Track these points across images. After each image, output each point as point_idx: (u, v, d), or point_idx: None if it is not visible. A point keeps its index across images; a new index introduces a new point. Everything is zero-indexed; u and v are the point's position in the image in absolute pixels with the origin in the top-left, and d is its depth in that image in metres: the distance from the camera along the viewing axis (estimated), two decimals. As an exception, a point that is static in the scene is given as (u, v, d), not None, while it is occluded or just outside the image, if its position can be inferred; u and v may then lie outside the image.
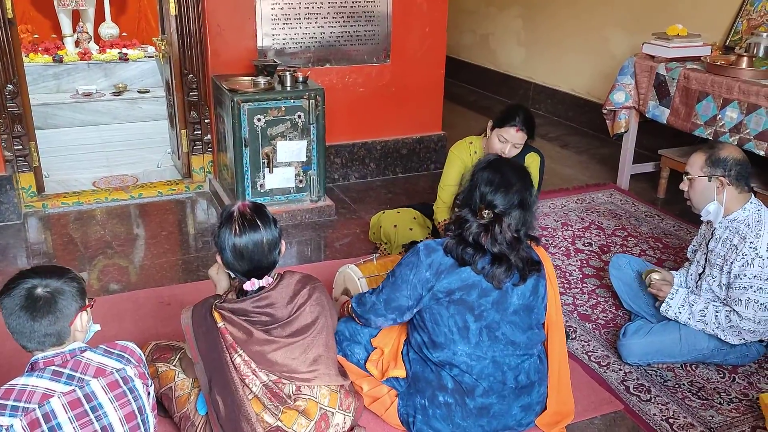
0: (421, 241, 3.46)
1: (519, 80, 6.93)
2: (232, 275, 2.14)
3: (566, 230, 4.06)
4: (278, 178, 4.04)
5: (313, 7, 4.35)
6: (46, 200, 4.19)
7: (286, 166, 4.03)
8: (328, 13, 4.41)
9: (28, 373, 1.73)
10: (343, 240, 3.97)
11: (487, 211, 2.16)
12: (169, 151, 5.02)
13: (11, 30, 3.86)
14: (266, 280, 2.09)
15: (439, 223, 3.45)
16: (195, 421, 2.21)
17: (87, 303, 1.83)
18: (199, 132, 4.47)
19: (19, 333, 1.71)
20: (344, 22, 4.48)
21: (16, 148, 4.00)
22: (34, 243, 3.84)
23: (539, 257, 2.30)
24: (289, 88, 3.96)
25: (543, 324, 2.37)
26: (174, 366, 2.32)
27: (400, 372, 2.36)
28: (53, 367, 1.73)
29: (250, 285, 2.06)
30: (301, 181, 4.11)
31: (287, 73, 3.98)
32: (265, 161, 3.97)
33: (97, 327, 1.89)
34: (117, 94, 6.14)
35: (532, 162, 3.36)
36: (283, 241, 2.11)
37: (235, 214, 2.04)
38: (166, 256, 3.69)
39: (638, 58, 4.37)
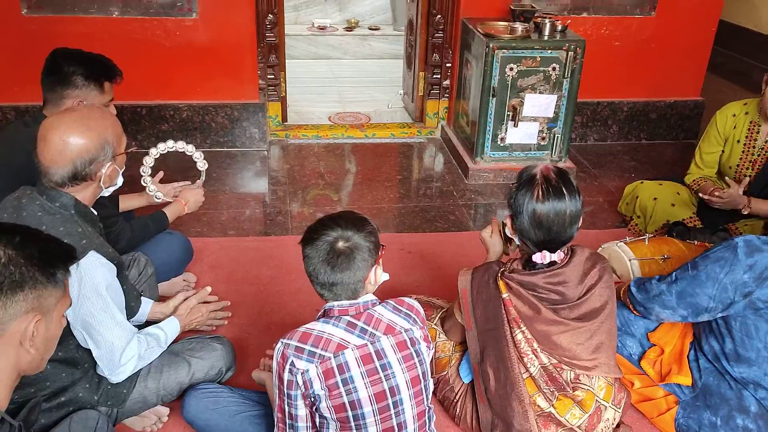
0: (683, 220, 3.10)
1: (786, 44, 5.98)
2: (516, 242, 1.97)
3: None
4: (521, 133, 3.80)
5: (579, -52, 3.96)
6: (288, 131, 4.32)
7: (531, 121, 3.78)
8: (595, -45, 4.00)
9: (324, 319, 1.70)
10: (584, 207, 3.65)
11: None
12: (401, 92, 4.96)
13: (276, -41, 3.92)
14: (558, 255, 1.89)
15: (689, 184, 3.20)
16: (454, 387, 2.11)
17: (379, 254, 1.75)
18: (439, 76, 4.32)
19: (319, 284, 1.68)
20: (611, -34, 4.04)
21: (269, 77, 4.13)
22: (276, 171, 3.96)
23: None
24: (546, 37, 3.66)
25: None
26: (435, 325, 2.23)
27: (685, 379, 2.07)
28: (348, 318, 1.68)
29: (541, 257, 1.88)
30: (543, 138, 3.84)
31: (546, 20, 3.67)
32: (511, 114, 3.73)
33: (386, 276, 1.81)
34: (349, 29, 6.19)
35: None
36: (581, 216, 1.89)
37: (538, 177, 1.85)
38: (403, 201, 3.64)
39: None
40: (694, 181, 3.16)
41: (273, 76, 4.16)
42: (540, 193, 1.83)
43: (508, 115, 3.73)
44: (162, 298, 2.55)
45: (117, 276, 1.92)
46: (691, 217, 3.12)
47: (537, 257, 1.88)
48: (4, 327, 1.24)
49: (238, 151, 4.10)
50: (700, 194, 3.05)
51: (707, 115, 4.32)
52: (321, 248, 1.66)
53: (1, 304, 1.22)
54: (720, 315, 1.96)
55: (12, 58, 3.69)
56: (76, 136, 1.82)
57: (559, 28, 3.70)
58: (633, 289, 2.16)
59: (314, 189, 3.74)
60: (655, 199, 3.21)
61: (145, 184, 2.59)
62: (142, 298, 2.23)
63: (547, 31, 3.67)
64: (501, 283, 1.90)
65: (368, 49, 6.10)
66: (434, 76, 4.33)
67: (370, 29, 6.21)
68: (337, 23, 6.28)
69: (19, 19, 3.61)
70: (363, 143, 4.35)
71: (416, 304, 1.81)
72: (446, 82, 4.33)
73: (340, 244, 1.66)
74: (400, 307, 1.77)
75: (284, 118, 4.36)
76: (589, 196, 3.77)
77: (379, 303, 1.75)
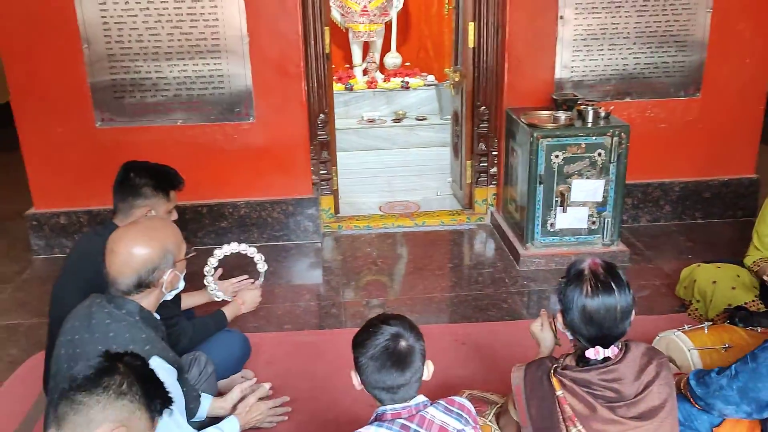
0: (745, 304, 3.01)
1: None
2: (570, 337, 1.96)
3: None
4: (570, 218, 3.81)
5: (618, 37, 4.07)
6: (341, 222, 4.45)
7: (579, 206, 3.79)
8: (635, 43, 4.09)
9: (377, 423, 1.71)
10: (640, 292, 3.59)
11: None
12: (449, 180, 5.06)
13: (327, 64, 4.15)
14: (612, 350, 1.87)
15: (749, 266, 3.11)
16: (512, 487, 2.06)
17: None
18: (486, 164, 4.41)
19: (384, 389, 1.70)
20: (651, 52, 4.12)
21: (321, 172, 4.30)
22: (329, 262, 4.06)
23: None
24: (590, 124, 3.73)
25: None
26: (489, 421, 2.20)
27: (757, 476, 1.98)
28: (401, 420, 1.69)
29: (594, 353, 1.86)
30: (593, 223, 3.83)
31: (589, 108, 3.75)
32: (559, 200, 3.76)
33: (432, 366, 1.83)
34: (397, 120, 6.40)
35: None
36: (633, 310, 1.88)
37: (586, 272, 1.86)
38: (455, 290, 3.65)
39: None
40: (754, 262, 3.09)
41: (325, 171, 4.33)
42: (589, 288, 1.83)
43: (556, 201, 3.76)
44: (221, 396, 2.60)
45: (177, 379, 1.99)
46: (753, 301, 3.02)
47: (590, 353, 1.87)
48: (92, 428, 1.33)
49: (293, 245, 4.23)
50: (763, 277, 2.98)
51: (764, 191, 4.26)
52: (382, 350, 1.68)
53: (104, 403, 1.34)
54: (788, 409, 1.88)
55: (86, 166, 3.97)
56: (140, 247, 1.95)
57: (603, 114, 3.76)
58: (692, 383, 2.11)
59: (366, 278, 3.81)
60: (714, 282, 3.13)
61: (207, 284, 2.75)
62: (201, 393, 2.30)
63: (590, 119, 3.74)
64: (555, 380, 1.89)
65: (416, 138, 6.28)
66: (481, 164, 4.42)
67: (417, 119, 6.41)
68: (386, 115, 6.52)
69: (93, 131, 3.91)
70: (413, 231, 4.42)
71: (467, 403, 1.81)
72: (493, 170, 4.41)
73: (402, 344, 1.70)
74: (451, 408, 1.77)
75: (336, 210, 4.50)
76: (644, 279, 3.71)
77: (431, 404, 1.76)
